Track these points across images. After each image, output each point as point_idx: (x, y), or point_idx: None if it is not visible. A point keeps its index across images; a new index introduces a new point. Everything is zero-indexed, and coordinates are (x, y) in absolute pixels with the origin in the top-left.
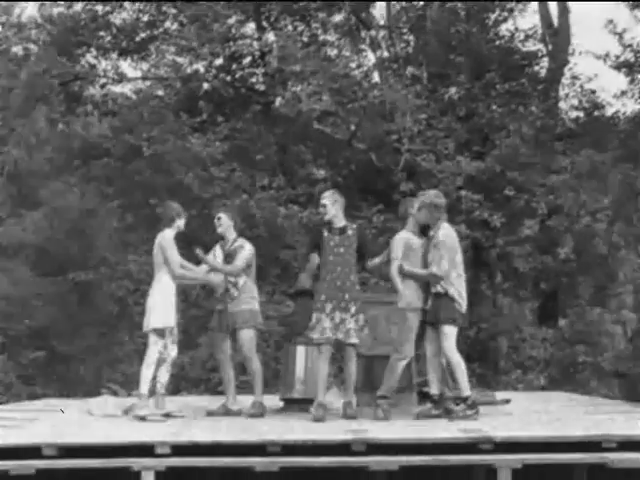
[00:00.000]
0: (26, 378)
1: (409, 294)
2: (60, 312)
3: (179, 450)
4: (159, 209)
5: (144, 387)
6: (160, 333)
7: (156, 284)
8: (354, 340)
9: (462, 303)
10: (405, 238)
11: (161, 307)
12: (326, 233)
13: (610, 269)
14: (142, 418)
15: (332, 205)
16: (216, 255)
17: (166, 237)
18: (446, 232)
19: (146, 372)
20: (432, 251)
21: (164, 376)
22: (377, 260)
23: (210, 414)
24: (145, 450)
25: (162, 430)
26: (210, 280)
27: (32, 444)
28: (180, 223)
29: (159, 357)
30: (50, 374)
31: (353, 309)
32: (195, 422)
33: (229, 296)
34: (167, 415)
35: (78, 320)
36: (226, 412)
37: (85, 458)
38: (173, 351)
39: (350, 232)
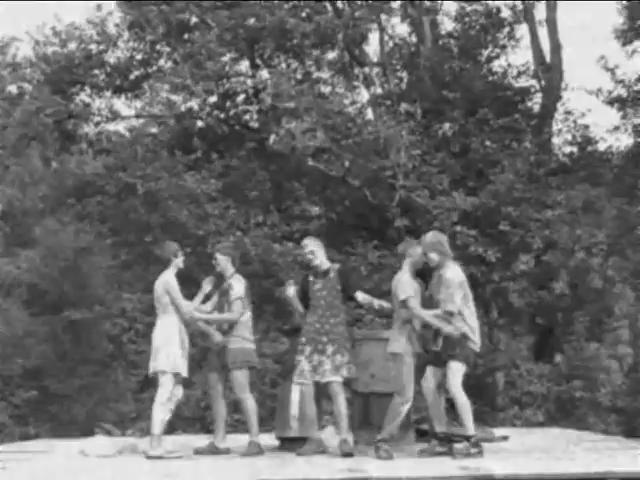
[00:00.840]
0: (19, 418)
1: (406, 339)
2: (54, 351)
3: None
4: (157, 250)
5: (157, 428)
6: (170, 374)
7: (163, 326)
8: (330, 378)
9: (476, 341)
10: (410, 280)
11: (165, 351)
12: (311, 277)
13: (606, 304)
14: (158, 457)
15: (319, 250)
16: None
17: (169, 280)
18: (455, 270)
19: (158, 412)
20: (442, 290)
21: (166, 416)
22: (371, 300)
23: (198, 452)
24: None
25: (158, 471)
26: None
27: None
28: (178, 261)
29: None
30: (43, 414)
31: (330, 350)
32: (191, 463)
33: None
34: (197, 453)
35: (72, 359)
36: (214, 451)
37: None
38: (178, 391)
39: (332, 274)
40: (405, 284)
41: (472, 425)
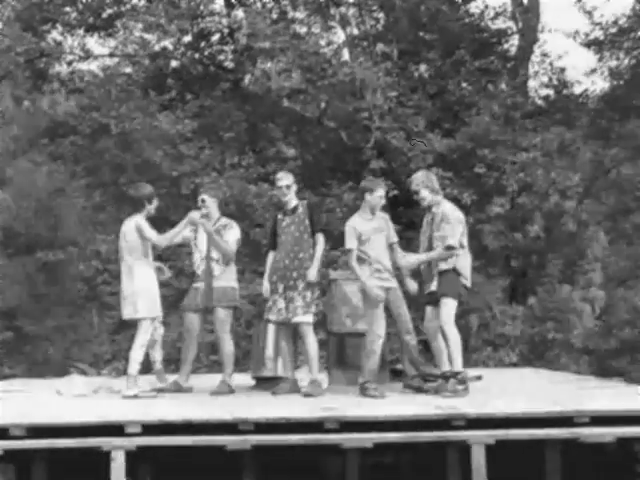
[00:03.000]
0: None
1: (367, 279)
2: (28, 292)
3: (149, 429)
4: (131, 190)
5: (134, 368)
6: (150, 320)
7: (136, 270)
8: (301, 319)
9: (468, 277)
10: (360, 222)
11: (148, 295)
12: (280, 215)
13: (579, 247)
14: (134, 397)
15: (293, 185)
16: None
17: (139, 221)
18: (450, 206)
19: (136, 354)
20: (442, 226)
21: (158, 354)
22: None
23: (161, 391)
24: (115, 429)
25: (131, 409)
26: (192, 219)
27: None
28: (151, 208)
29: (150, 340)
30: (18, 355)
31: (301, 286)
32: (164, 400)
33: (210, 272)
34: (160, 390)
35: (46, 300)
36: (177, 389)
37: (54, 438)
38: (160, 329)
39: (300, 209)
40: (349, 232)
41: (461, 361)
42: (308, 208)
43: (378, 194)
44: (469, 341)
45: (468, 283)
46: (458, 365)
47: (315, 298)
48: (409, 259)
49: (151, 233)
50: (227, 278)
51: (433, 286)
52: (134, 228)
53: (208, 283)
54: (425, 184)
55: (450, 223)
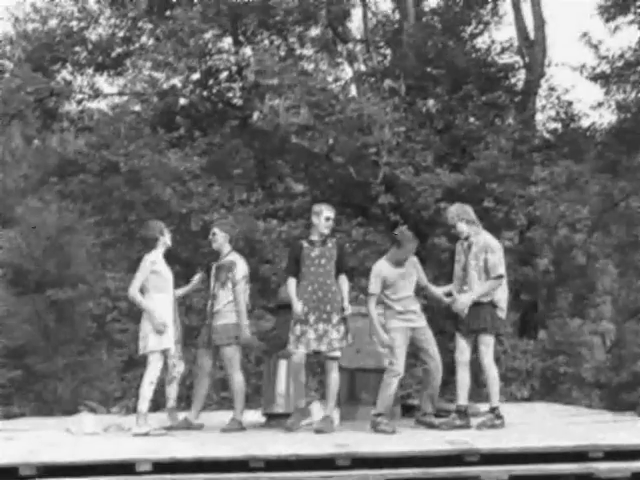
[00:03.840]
0: (3, 398)
1: (391, 319)
2: (37, 330)
3: (160, 467)
4: (141, 231)
5: (143, 405)
6: (159, 353)
7: (150, 304)
8: (337, 353)
9: (504, 309)
10: (386, 267)
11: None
12: (307, 245)
13: (589, 280)
14: (144, 434)
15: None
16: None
17: (146, 258)
18: (490, 236)
19: (146, 390)
20: (489, 257)
21: (174, 391)
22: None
23: (171, 429)
24: (126, 468)
25: (142, 447)
26: (153, 318)
27: (9, 464)
28: (165, 239)
29: (168, 376)
30: (27, 393)
31: (335, 319)
32: (175, 438)
33: (212, 310)
34: (170, 428)
35: (55, 338)
36: (188, 426)
37: (64, 477)
38: (180, 366)
39: (330, 244)
40: (374, 276)
41: (498, 397)
42: (338, 247)
43: (406, 249)
44: (479, 375)
45: (504, 315)
46: (496, 400)
47: (345, 333)
48: (463, 301)
49: (137, 279)
50: (229, 315)
51: (467, 318)
52: (147, 265)
53: (210, 321)
54: (460, 217)
55: (495, 252)
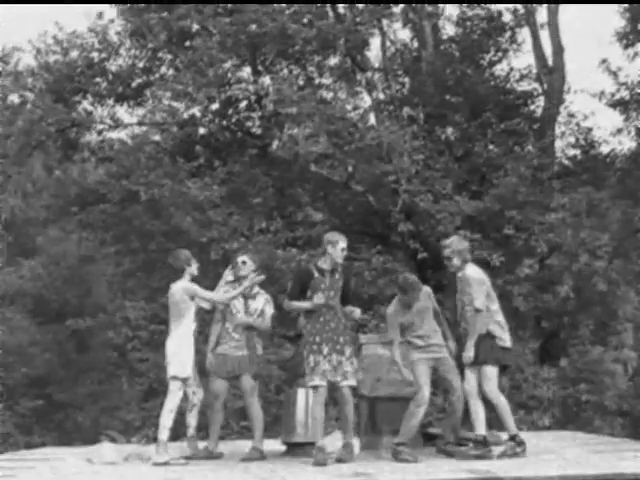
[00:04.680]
0: (24, 427)
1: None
2: (58, 360)
3: None
4: (169, 259)
5: (163, 434)
6: (180, 381)
7: (174, 333)
8: (352, 382)
9: (505, 338)
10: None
11: (178, 357)
12: (317, 274)
13: (610, 307)
14: (164, 464)
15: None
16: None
17: (188, 285)
18: (473, 268)
19: (166, 419)
20: (465, 290)
21: (194, 420)
22: None
23: (191, 458)
24: None
25: (162, 477)
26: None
27: None
28: (192, 269)
29: (189, 404)
30: (48, 423)
31: (348, 352)
32: (195, 467)
33: (231, 340)
34: (190, 458)
35: (76, 368)
36: (208, 455)
37: None
38: (200, 394)
39: (337, 275)
40: (390, 322)
41: (514, 424)
42: (345, 279)
43: (410, 296)
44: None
45: (506, 343)
46: (512, 428)
47: (359, 365)
48: (465, 355)
49: (205, 294)
50: (248, 345)
51: (468, 350)
52: (181, 289)
53: (230, 350)
54: (460, 254)
55: (472, 286)
